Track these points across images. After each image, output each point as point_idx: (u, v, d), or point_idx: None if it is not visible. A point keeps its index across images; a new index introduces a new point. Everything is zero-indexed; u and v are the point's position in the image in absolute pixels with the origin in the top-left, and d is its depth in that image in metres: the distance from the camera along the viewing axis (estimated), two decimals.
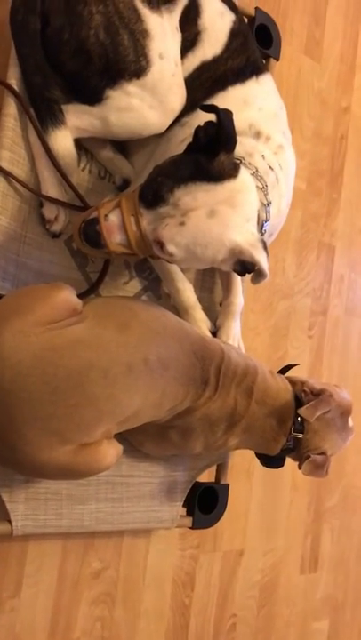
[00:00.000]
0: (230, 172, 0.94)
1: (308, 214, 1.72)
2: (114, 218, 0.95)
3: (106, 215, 0.95)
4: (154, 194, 0.93)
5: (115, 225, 0.95)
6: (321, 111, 1.76)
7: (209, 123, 0.92)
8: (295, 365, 1.23)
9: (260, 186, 1.02)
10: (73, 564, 1.25)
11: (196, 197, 0.91)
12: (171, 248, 0.93)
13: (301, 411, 1.07)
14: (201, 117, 0.95)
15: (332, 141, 1.80)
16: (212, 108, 0.91)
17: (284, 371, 1.19)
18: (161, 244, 0.94)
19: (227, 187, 0.93)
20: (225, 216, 0.93)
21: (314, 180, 1.74)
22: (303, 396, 1.10)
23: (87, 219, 0.96)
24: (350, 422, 1.12)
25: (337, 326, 1.81)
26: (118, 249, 0.96)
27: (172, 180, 0.92)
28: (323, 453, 1.09)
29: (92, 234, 0.95)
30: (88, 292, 1.15)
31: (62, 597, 1.24)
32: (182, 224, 0.92)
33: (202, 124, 0.93)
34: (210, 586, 1.48)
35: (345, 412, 1.10)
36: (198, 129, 0.93)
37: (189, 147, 0.96)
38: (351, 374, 1.86)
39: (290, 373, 1.18)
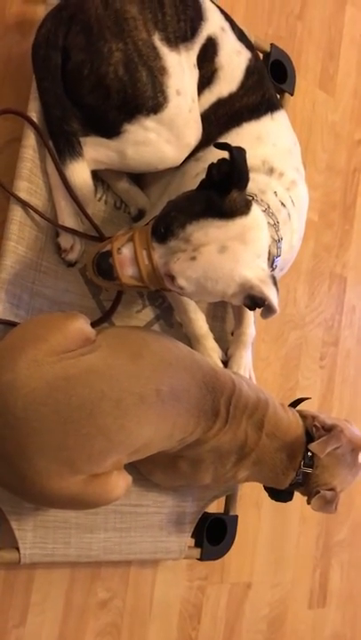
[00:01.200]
0: (242, 208, 0.95)
1: (321, 245, 1.73)
2: (126, 251, 0.96)
3: (119, 248, 0.96)
4: (166, 228, 0.94)
5: (127, 258, 0.96)
6: (334, 144, 1.78)
7: (222, 160, 0.94)
8: (307, 399, 1.23)
9: (272, 222, 1.03)
10: (79, 593, 1.24)
11: (208, 233, 0.93)
12: (182, 282, 0.95)
13: (312, 446, 1.06)
14: (215, 153, 0.97)
15: (345, 174, 1.81)
16: (225, 146, 0.93)
17: (295, 404, 1.19)
18: (172, 278, 0.95)
19: (238, 223, 0.94)
20: (236, 252, 0.94)
21: (326, 211, 1.75)
22: (314, 430, 1.09)
23: (101, 251, 0.97)
24: (360, 458, 1.11)
25: (348, 357, 1.81)
26: (130, 281, 0.98)
27: (185, 216, 0.93)
28: (332, 489, 1.08)
29: (105, 266, 0.96)
30: (101, 320, 1.16)
31: (68, 627, 1.23)
32: (193, 259, 0.93)
33: (215, 161, 0.95)
34: (217, 619, 1.46)
35: (356, 449, 1.10)
36: (212, 166, 0.95)
37: (202, 183, 0.97)
38: None
39: (301, 407, 1.17)
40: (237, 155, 0.92)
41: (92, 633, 1.26)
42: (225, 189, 0.94)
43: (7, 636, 1.15)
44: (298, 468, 1.07)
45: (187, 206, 0.95)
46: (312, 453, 1.08)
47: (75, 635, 1.23)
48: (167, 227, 0.94)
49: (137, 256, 0.96)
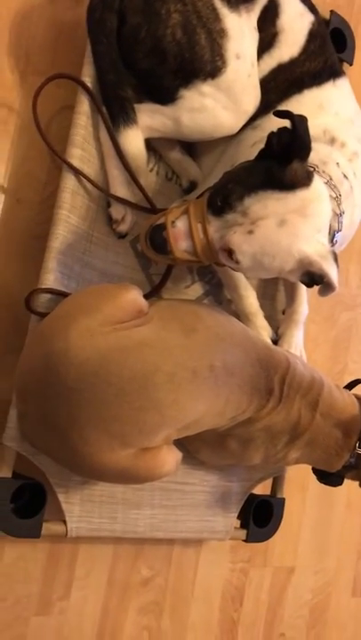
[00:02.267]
0: (303, 180, 0.90)
1: None
2: (181, 225, 0.93)
3: (173, 222, 0.93)
4: (223, 201, 0.90)
5: (181, 232, 0.93)
6: None
7: (283, 129, 0.89)
8: None
9: (334, 195, 0.98)
10: (122, 569, 1.23)
11: (267, 206, 0.89)
12: (238, 256, 0.90)
13: None
14: (274, 121, 0.92)
15: None
16: (286, 114, 0.88)
17: (350, 386, 1.15)
18: (228, 252, 0.91)
19: (299, 196, 0.90)
20: (295, 226, 0.89)
21: None
22: None
23: (154, 224, 0.94)
24: None
25: None
26: (184, 256, 0.95)
27: (243, 188, 0.89)
28: None
29: (158, 240, 0.93)
30: (150, 294, 1.13)
31: (110, 603, 1.22)
32: (251, 232, 0.89)
33: (275, 130, 0.90)
34: (259, 602, 1.44)
35: None
36: (271, 135, 0.90)
37: (261, 153, 0.93)
38: None
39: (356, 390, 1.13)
40: (299, 123, 0.87)
41: (133, 610, 1.25)
42: (285, 160, 0.89)
43: (52, 608, 1.15)
44: (353, 449, 1.03)
45: (245, 177, 0.90)
46: None
47: (117, 611, 1.23)
48: (224, 199, 0.90)
49: (192, 229, 0.92)
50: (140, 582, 1.26)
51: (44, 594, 1.14)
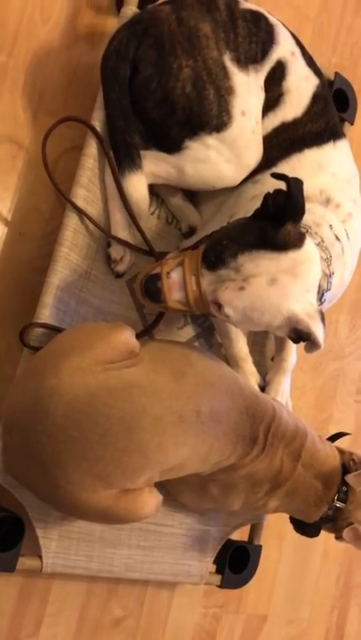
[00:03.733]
0: (295, 242, 0.93)
1: None
2: (175, 276, 0.95)
3: (168, 272, 0.96)
4: (217, 256, 0.93)
5: (175, 283, 0.95)
6: None
7: (279, 191, 0.92)
8: (346, 434, 1.20)
9: (325, 257, 1.01)
10: (95, 608, 1.22)
11: (259, 265, 0.91)
12: (228, 311, 0.93)
13: (349, 477, 1.04)
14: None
15: None
16: (282, 177, 0.91)
17: (333, 439, 1.16)
18: (219, 306, 0.94)
19: (290, 256, 0.93)
20: (285, 285, 0.92)
21: None
22: (352, 464, 1.07)
23: (150, 273, 0.97)
24: None
25: None
26: (176, 305, 0.97)
27: (237, 245, 0.92)
28: None
29: (152, 289, 0.96)
30: (143, 333, 1.15)
31: None
32: (242, 289, 0.92)
33: (272, 190, 0.93)
34: None
35: None
36: (267, 196, 0.94)
37: (257, 212, 0.96)
38: None
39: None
40: (295, 187, 0.91)
41: None
42: (280, 221, 0.92)
43: None
44: (331, 501, 1.04)
45: (239, 235, 0.93)
46: (347, 488, 1.05)
47: None
48: (218, 255, 0.93)
49: (185, 281, 0.95)
50: (112, 622, 1.25)
51: (13, 630, 1.12)
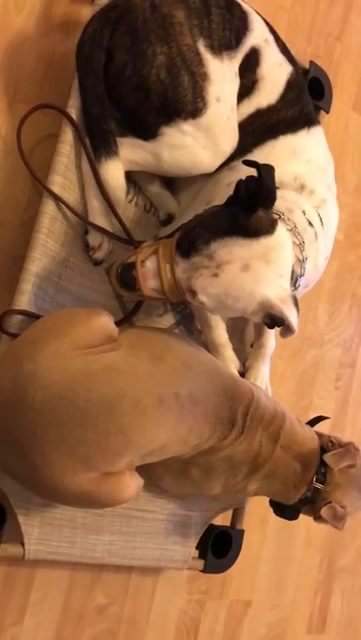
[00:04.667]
0: (267, 228, 0.94)
1: (344, 266, 1.72)
2: (150, 264, 0.96)
3: (143, 261, 0.96)
4: (190, 244, 0.94)
5: (150, 271, 0.96)
6: None
7: (250, 178, 0.93)
8: (325, 418, 1.21)
9: (298, 242, 1.02)
10: (79, 596, 1.22)
11: (232, 251, 0.93)
12: (202, 297, 0.95)
13: (327, 456, 1.05)
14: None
15: None
16: (253, 164, 0.92)
17: (313, 423, 1.17)
18: (193, 293, 0.95)
19: (262, 243, 0.94)
20: (258, 271, 0.93)
21: (352, 232, 1.75)
22: (330, 445, 1.08)
23: (125, 263, 0.98)
24: None
25: None
26: (151, 293, 0.98)
27: (210, 233, 0.93)
28: (342, 507, 1.06)
29: (128, 278, 0.97)
30: (122, 320, 1.15)
31: (64, 630, 1.21)
32: (215, 275, 0.93)
33: (244, 178, 0.94)
34: (214, 634, 1.44)
35: None
36: (239, 183, 0.94)
37: (229, 199, 0.97)
38: None
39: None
40: (265, 173, 0.92)
41: (87, 638, 1.24)
42: (251, 208, 0.93)
43: (3, 634, 1.13)
44: (310, 482, 1.06)
45: (212, 223, 0.94)
46: (325, 470, 1.06)
47: (70, 638, 1.21)
48: (191, 242, 0.94)
49: (160, 269, 0.96)
50: (96, 610, 1.25)
51: None
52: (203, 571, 1.26)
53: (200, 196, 1.19)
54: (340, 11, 1.73)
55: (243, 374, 1.26)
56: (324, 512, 1.04)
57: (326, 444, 1.09)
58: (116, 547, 1.13)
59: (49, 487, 0.90)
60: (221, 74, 1.08)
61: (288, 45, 1.21)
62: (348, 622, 1.75)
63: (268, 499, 1.13)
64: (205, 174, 1.15)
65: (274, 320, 0.96)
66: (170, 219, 1.24)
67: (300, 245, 1.03)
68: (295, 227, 1.03)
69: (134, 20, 1.05)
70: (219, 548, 1.28)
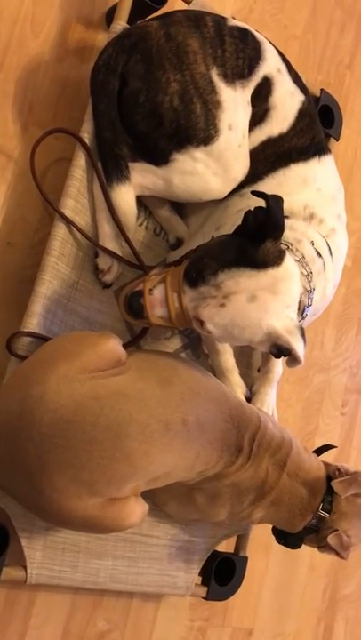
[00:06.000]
0: (275, 259, 0.95)
1: (352, 291, 1.73)
2: (158, 293, 0.97)
3: (151, 289, 0.97)
4: (198, 274, 0.95)
5: (158, 300, 0.97)
6: None
7: (259, 208, 0.94)
8: (333, 447, 1.21)
9: (305, 273, 1.03)
10: (79, 621, 1.21)
11: (239, 282, 0.93)
12: (209, 327, 0.95)
13: (335, 483, 1.05)
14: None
15: None
16: (262, 195, 0.93)
17: (319, 451, 1.17)
18: (200, 322, 0.96)
19: (270, 274, 0.94)
20: (265, 302, 0.94)
21: (360, 258, 1.75)
22: (337, 473, 1.07)
23: (133, 291, 0.99)
24: None
25: None
26: (159, 322, 0.99)
27: (217, 263, 0.94)
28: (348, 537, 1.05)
29: (135, 306, 0.97)
30: (130, 343, 1.16)
31: None
32: (223, 305, 0.93)
33: (253, 207, 0.95)
34: None
35: None
36: (248, 214, 0.95)
37: (238, 229, 0.97)
38: None
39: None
40: (274, 205, 0.92)
41: None
42: (259, 238, 0.93)
43: None
44: (316, 510, 1.05)
45: (220, 253, 0.95)
46: (331, 498, 1.06)
47: None
48: (199, 272, 0.94)
49: (168, 298, 0.96)
50: (96, 635, 1.24)
51: None
52: (206, 598, 1.24)
53: (210, 222, 1.20)
54: (351, 39, 1.75)
55: (249, 399, 1.26)
56: (331, 539, 1.03)
57: (333, 473, 1.08)
58: (119, 572, 1.12)
59: (53, 511, 0.90)
60: (234, 102, 1.09)
61: (299, 73, 1.22)
62: None
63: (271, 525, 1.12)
64: (216, 200, 1.16)
65: (280, 350, 0.96)
66: (179, 242, 1.24)
67: (308, 276, 1.03)
68: (303, 257, 1.03)
69: (149, 47, 1.07)
70: (222, 574, 1.27)
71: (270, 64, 1.14)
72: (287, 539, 1.11)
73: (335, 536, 1.04)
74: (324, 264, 1.07)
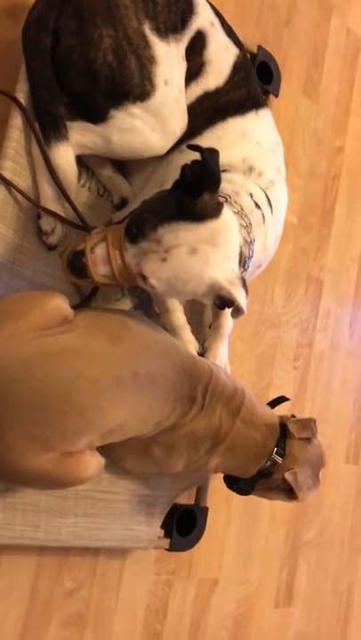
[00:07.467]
0: (213, 212, 0.96)
1: (299, 248, 1.76)
2: (99, 251, 0.98)
3: (92, 248, 0.98)
4: (138, 229, 0.95)
5: (100, 257, 0.98)
6: (316, 150, 1.82)
7: (195, 162, 0.95)
8: (286, 400, 1.24)
9: (244, 224, 1.04)
10: (46, 581, 1.23)
11: (179, 236, 0.94)
12: (152, 282, 0.96)
13: (290, 422, 1.10)
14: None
15: (324, 179, 1.85)
16: (197, 148, 0.93)
17: (273, 403, 1.20)
18: (144, 278, 0.97)
19: (209, 226, 0.95)
20: (206, 254, 0.95)
21: (306, 215, 1.78)
22: (291, 418, 1.12)
23: (75, 250, 0.99)
24: (321, 476, 1.13)
25: (322, 360, 1.83)
26: (102, 280, 1.00)
27: (157, 218, 0.94)
28: None
29: (78, 265, 0.98)
30: (79, 305, 1.16)
31: (32, 616, 1.21)
32: (164, 260, 0.94)
33: (189, 162, 0.96)
34: (183, 614, 1.46)
35: (321, 458, 1.12)
36: (185, 167, 0.96)
37: (176, 184, 0.98)
38: (333, 408, 1.87)
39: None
40: (209, 157, 0.93)
41: (56, 623, 1.24)
42: (197, 192, 0.94)
43: None
44: (270, 453, 1.08)
45: (159, 208, 0.96)
46: (284, 444, 1.09)
47: (39, 623, 1.22)
48: (139, 228, 0.95)
49: (109, 255, 0.97)
50: (64, 594, 1.26)
51: None
52: (169, 549, 1.28)
53: (153, 180, 1.20)
54: None
55: (202, 355, 1.28)
56: (288, 475, 1.07)
57: (287, 419, 1.12)
58: (81, 529, 1.14)
59: (9, 469, 0.90)
60: (168, 56, 1.09)
61: (237, 31, 1.22)
62: (314, 595, 1.80)
63: None
64: (157, 157, 1.16)
65: (224, 301, 0.98)
66: (124, 203, 1.24)
67: (247, 227, 1.05)
68: (242, 209, 1.05)
69: (79, 2, 1.05)
70: (184, 526, 1.30)
71: (203, 17, 1.14)
72: (238, 484, 1.15)
73: (292, 473, 1.08)
74: (263, 215, 1.09)
